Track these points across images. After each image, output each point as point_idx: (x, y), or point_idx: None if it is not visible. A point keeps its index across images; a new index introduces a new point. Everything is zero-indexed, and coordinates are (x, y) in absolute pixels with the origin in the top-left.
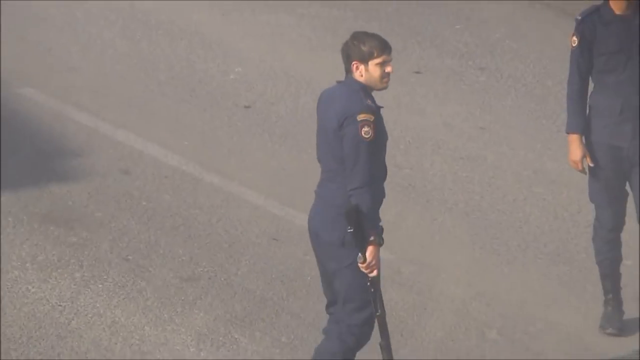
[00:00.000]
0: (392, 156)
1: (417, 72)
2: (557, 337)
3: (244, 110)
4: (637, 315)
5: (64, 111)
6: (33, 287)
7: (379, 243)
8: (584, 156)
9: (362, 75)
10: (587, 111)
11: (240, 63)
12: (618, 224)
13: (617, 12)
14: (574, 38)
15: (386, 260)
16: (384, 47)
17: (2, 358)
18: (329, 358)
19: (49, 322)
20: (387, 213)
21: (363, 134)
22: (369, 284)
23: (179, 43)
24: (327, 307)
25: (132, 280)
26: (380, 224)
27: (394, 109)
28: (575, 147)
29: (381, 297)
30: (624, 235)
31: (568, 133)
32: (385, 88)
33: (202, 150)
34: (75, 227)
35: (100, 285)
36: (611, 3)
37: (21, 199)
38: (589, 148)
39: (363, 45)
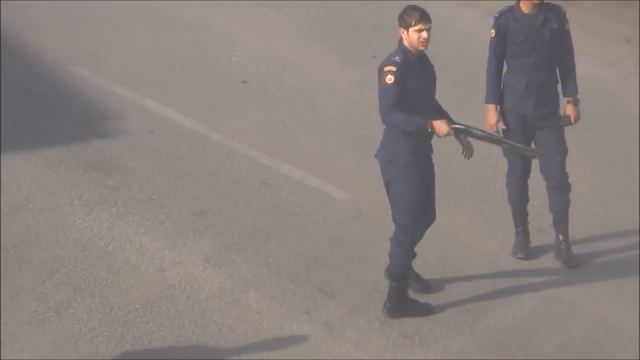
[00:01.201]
0: (356, 121)
1: (374, 57)
2: (479, 261)
3: (242, 85)
4: (541, 244)
5: (105, 85)
6: (79, 219)
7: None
8: (498, 121)
9: (405, 39)
10: (502, 87)
11: (240, 49)
12: (525, 173)
13: (525, 11)
14: (492, 30)
15: (347, 201)
16: (422, 17)
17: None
18: (395, 259)
19: (91, 246)
20: (349, 163)
21: (387, 80)
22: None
23: (193, 34)
24: (392, 217)
25: (155, 214)
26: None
27: (356, 87)
28: (492, 114)
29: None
30: (530, 182)
31: (487, 103)
32: (423, 49)
33: (210, 114)
34: (112, 173)
35: (131, 218)
36: (520, 4)
37: (71, 151)
38: (502, 115)
39: (407, 15)
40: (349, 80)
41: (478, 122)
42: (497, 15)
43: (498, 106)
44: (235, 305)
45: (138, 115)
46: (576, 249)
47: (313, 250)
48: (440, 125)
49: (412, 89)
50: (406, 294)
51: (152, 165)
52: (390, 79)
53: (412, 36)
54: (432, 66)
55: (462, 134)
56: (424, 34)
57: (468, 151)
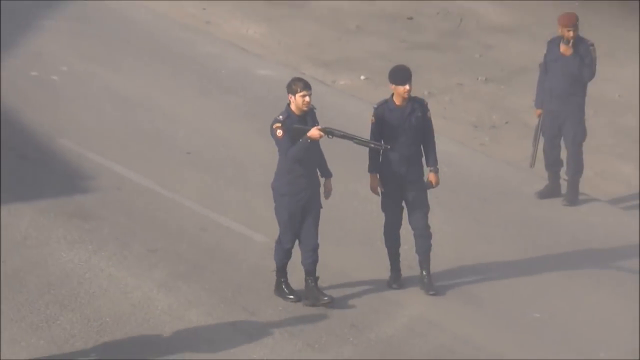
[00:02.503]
0: (271, 181)
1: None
2: (364, 288)
3: (187, 154)
4: (410, 276)
5: (83, 152)
6: (64, 254)
7: None
8: (377, 185)
9: (293, 102)
10: (380, 159)
11: (184, 127)
12: (398, 224)
13: (397, 103)
14: (372, 118)
15: (264, 242)
16: (305, 86)
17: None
18: (274, 255)
19: (73, 274)
20: (265, 213)
21: (277, 134)
22: None
23: (150, 113)
24: None
25: (120, 251)
26: None
27: (272, 155)
28: (373, 180)
29: None
30: (401, 231)
31: (369, 172)
32: (306, 110)
33: (162, 176)
34: (88, 219)
35: (103, 253)
36: (394, 98)
37: (58, 202)
38: (381, 180)
39: (294, 85)
40: (267, 152)
41: (365, 185)
42: (375, 106)
43: (377, 174)
44: (180, 320)
45: (108, 175)
46: (436, 280)
47: (239, 279)
48: (313, 132)
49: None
50: (280, 282)
51: (118, 214)
52: (279, 132)
53: (298, 100)
54: (317, 122)
55: (329, 134)
56: (307, 98)
57: (327, 193)
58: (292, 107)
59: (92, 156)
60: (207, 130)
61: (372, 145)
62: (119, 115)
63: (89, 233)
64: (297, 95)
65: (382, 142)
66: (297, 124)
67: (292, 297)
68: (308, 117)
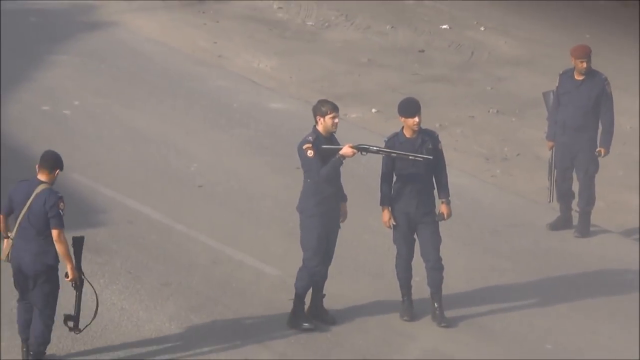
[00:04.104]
0: (283, 215)
1: (297, 168)
2: (375, 321)
3: (198, 188)
4: (421, 309)
5: (95, 186)
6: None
7: None
8: (390, 218)
9: (321, 124)
10: (392, 192)
11: (196, 161)
12: (410, 256)
13: (407, 135)
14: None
15: (277, 276)
16: (334, 108)
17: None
18: (296, 282)
19: (85, 308)
20: (278, 247)
21: (308, 154)
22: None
23: (161, 148)
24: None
25: (133, 284)
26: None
27: (284, 190)
28: (385, 214)
29: None
30: (413, 263)
31: (381, 206)
32: (334, 131)
33: (174, 210)
34: (101, 253)
35: (114, 287)
36: (404, 130)
37: (70, 236)
38: (393, 213)
39: (323, 107)
40: (279, 185)
41: (377, 218)
42: (386, 139)
43: (389, 207)
44: (193, 353)
45: (120, 209)
46: (447, 313)
47: (251, 312)
48: (346, 149)
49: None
50: (298, 310)
51: (130, 247)
52: (310, 153)
53: (327, 121)
54: (339, 144)
55: (362, 151)
56: (336, 120)
57: (342, 216)
58: (320, 128)
59: (104, 190)
60: (219, 163)
61: (411, 157)
62: (130, 149)
63: (101, 267)
64: (327, 117)
65: (419, 155)
66: (325, 145)
67: (307, 324)
68: (333, 139)
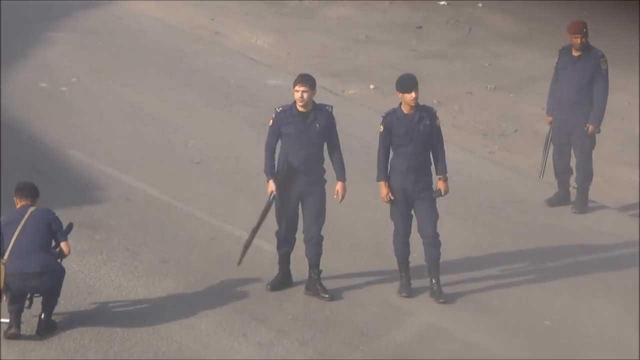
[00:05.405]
0: None
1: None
2: (374, 297)
3: (196, 165)
4: (419, 285)
5: (93, 163)
6: (74, 264)
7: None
8: (387, 193)
9: None
10: (389, 168)
11: (194, 138)
12: (407, 233)
13: (405, 111)
14: (381, 126)
15: (274, 252)
16: (298, 81)
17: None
18: None
19: (83, 285)
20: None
21: (269, 123)
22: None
23: (159, 125)
24: None
25: (131, 261)
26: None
27: None
28: (382, 189)
29: None
30: (410, 239)
31: (378, 181)
32: (300, 104)
33: (172, 187)
34: (98, 230)
35: (112, 264)
36: (402, 106)
37: (68, 213)
38: (390, 189)
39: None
40: None
41: (374, 194)
42: (384, 115)
43: (387, 183)
44: (191, 329)
45: (118, 186)
46: (445, 289)
47: (249, 289)
48: (269, 185)
49: (285, 133)
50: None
51: (128, 224)
52: (270, 122)
53: (295, 95)
54: (330, 121)
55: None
56: (298, 94)
57: (339, 196)
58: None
59: (102, 167)
60: (217, 140)
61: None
62: (128, 125)
63: (99, 244)
64: (294, 89)
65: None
66: (297, 118)
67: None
68: (319, 114)
